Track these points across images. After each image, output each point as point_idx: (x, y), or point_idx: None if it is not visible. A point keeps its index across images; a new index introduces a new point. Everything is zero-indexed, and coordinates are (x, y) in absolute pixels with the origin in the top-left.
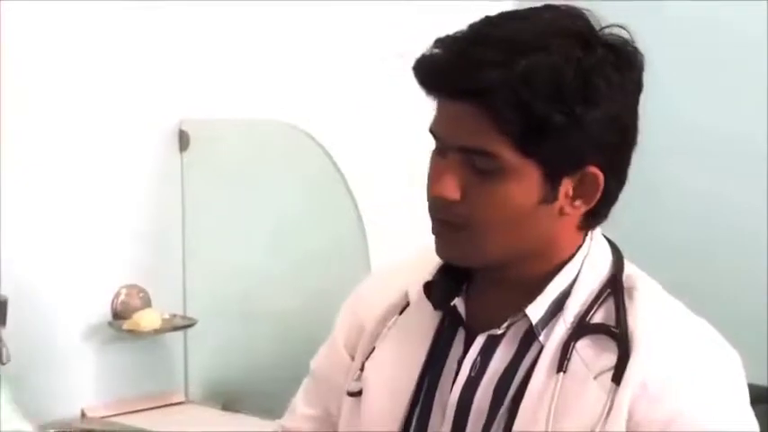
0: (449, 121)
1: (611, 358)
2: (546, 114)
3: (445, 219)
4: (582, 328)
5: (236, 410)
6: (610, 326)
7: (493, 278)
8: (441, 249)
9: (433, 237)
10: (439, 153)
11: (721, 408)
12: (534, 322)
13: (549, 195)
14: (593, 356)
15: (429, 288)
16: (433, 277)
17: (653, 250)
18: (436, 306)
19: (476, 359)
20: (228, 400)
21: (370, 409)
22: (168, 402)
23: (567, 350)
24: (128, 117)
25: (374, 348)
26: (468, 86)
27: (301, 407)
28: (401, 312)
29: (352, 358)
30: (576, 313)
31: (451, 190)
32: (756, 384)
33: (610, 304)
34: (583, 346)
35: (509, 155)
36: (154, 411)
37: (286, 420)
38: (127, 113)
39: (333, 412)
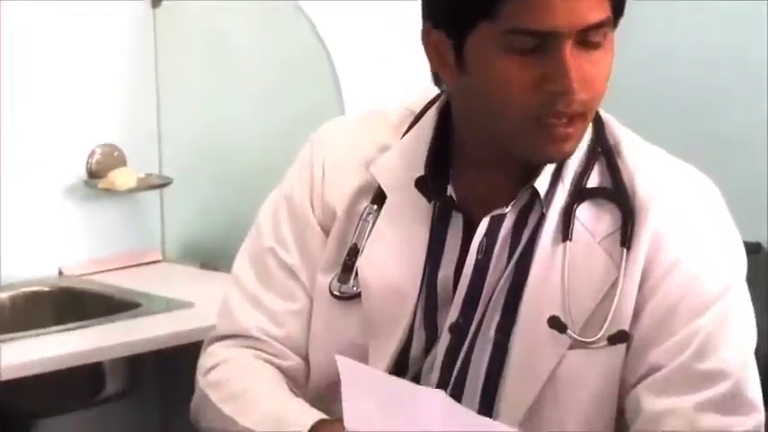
0: (571, 4)
1: (612, 221)
2: None
3: (579, 111)
4: (580, 192)
5: (215, 268)
6: (607, 188)
7: (488, 160)
8: (571, 144)
9: (547, 138)
10: (540, 49)
11: (717, 252)
12: (543, 194)
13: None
14: (593, 221)
15: (420, 181)
16: (425, 171)
17: (650, 111)
18: (431, 198)
19: (482, 241)
20: (206, 258)
21: (375, 312)
22: (145, 261)
23: (570, 217)
24: None
25: (356, 245)
26: None
27: (279, 302)
28: (374, 201)
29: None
30: (572, 178)
31: (581, 79)
32: (751, 242)
33: (602, 165)
34: (582, 212)
35: (611, 16)
36: (131, 270)
37: (263, 324)
38: None
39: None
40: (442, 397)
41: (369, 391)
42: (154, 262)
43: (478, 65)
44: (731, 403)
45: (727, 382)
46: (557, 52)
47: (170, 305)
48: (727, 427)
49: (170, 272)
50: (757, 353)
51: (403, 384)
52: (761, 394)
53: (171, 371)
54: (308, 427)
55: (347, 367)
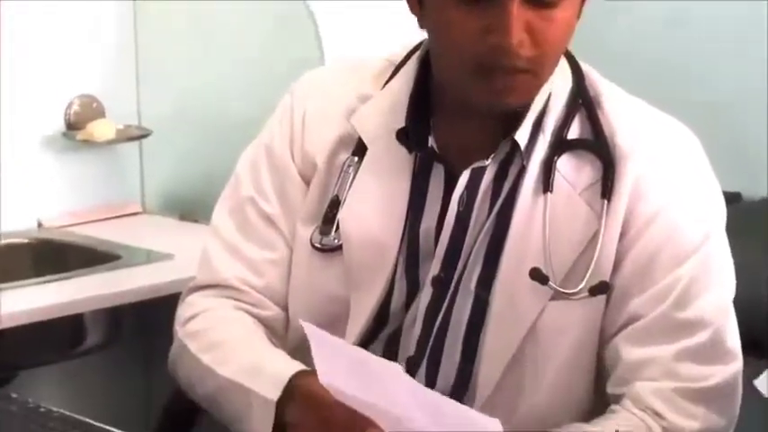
0: None
1: (592, 173)
2: None
3: (521, 66)
4: (561, 143)
5: (194, 220)
6: (588, 140)
7: (468, 111)
8: (515, 98)
9: (488, 89)
10: (487, 0)
11: (697, 202)
12: (523, 146)
13: (579, 10)
14: (574, 172)
15: (401, 133)
16: (406, 122)
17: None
18: (412, 149)
19: (462, 193)
20: (186, 209)
21: (356, 264)
22: (125, 213)
23: (550, 169)
24: None
25: (338, 197)
26: None
27: (258, 252)
28: (355, 153)
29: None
30: (553, 130)
31: (522, 34)
32: (731, 191)
33: (583, 117)
34: (563, 164)
35: None
36: (110, 221)
37: (242, 274)
38: None
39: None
40: (399, 372)
41: (338, 354)
42: (133, 214)
43: (432, 7)
44: (710, 352)
45: (707, 331)
46: (501, 5)
47: (150, 257)
48: (706, 376)
49: (150, 223)
50: (736, 302)
51: (365, 355)
52: (739, 342)
53: (151, 322)
54: (287, 378)
55: (314, 333)
